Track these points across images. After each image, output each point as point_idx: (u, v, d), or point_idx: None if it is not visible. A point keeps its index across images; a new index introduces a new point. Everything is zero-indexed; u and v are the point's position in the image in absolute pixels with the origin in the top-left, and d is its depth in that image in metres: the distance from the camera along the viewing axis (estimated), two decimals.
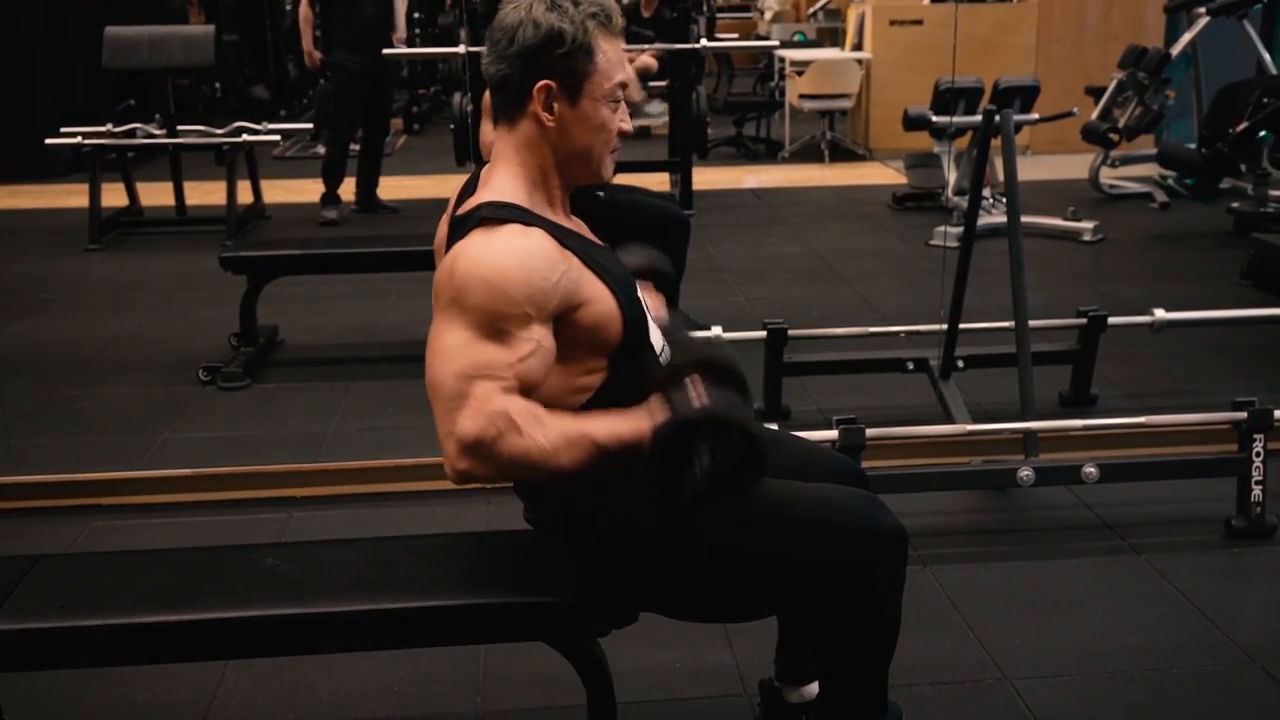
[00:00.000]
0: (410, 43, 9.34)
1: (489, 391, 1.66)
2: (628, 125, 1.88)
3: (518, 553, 2.04)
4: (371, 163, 7.17)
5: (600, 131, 1.84)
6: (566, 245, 1.78)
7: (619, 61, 1.84)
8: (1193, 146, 6.77)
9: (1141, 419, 3.40)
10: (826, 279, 5.67)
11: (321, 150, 9.19)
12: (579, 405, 1.80)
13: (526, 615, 1.91)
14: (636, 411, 1.74)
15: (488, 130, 3.84)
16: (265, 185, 7.22)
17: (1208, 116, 6.44)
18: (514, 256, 1.71)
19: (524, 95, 1.81)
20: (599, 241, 1.92)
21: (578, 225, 1.91)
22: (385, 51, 6.72)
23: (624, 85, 1.85)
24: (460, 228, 1.80)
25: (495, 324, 1.69)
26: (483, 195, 1.83)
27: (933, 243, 6.11)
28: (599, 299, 1.79)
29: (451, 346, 1.70)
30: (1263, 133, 6.03)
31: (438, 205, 7.29)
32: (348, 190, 7.09)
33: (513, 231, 1.74)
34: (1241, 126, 5.98)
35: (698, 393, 1.71)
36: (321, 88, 8.24)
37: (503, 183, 1.83)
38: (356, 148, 7.19)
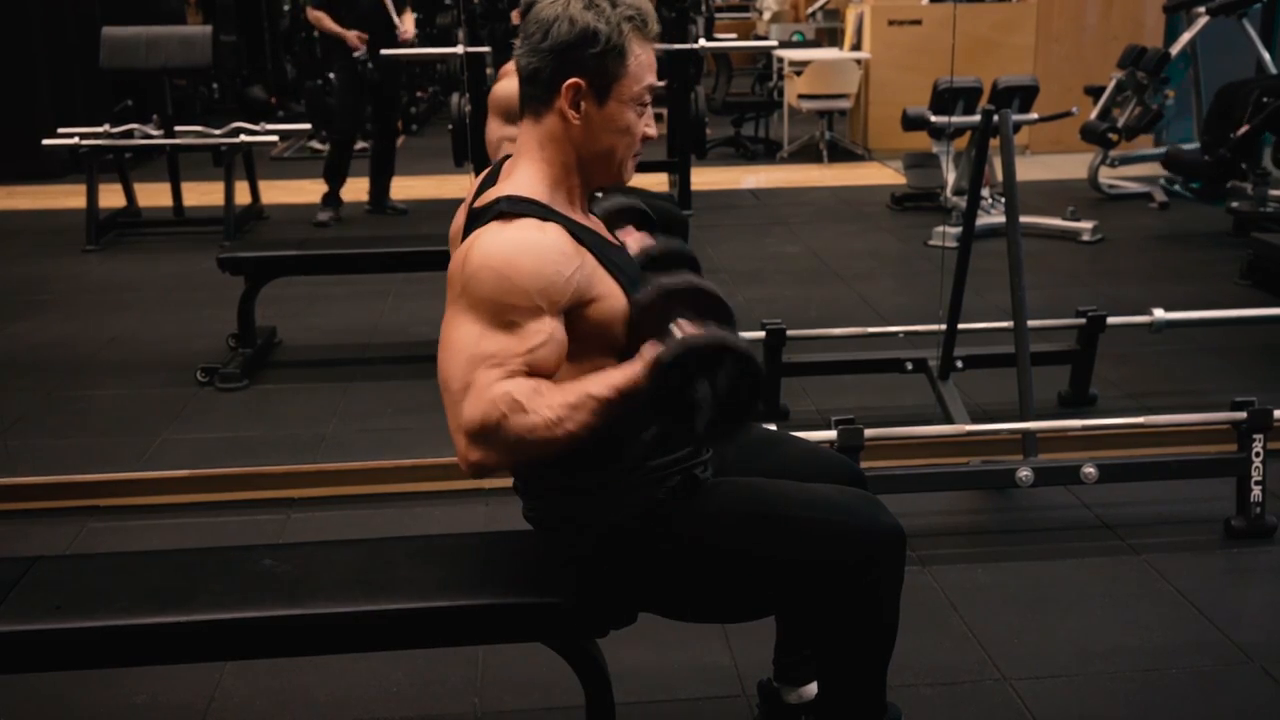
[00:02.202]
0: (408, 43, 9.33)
1: (492, 378, 1.66)
2: (652, 130, 1.88)
3: (516, 553, 2.04)
4: (382, 163, 7.16)
5: (624, 134, 1.83)
6: (582, 241, 1.78)
7: (650, 66, 1.84)
8: (1194, 147, 6.77)
9: (1141, 419, 3.40)
10: (825, 279, 5.67)
11: (316, 146, 9.22)
12: None
13: (525, 616, 1.91)
14: (631, 362, 1.73)
15: (493, 129, 3.82)
16: (263, 186, 7.22)
17: (1208, 120, 6.44)
18: (527, 249, 1.71)
19: (552, 91, 1.80)
20: (615, 240, 1.92)
21: (595, 224, 1.91)
22: (383, 51, 6.71)
23: (652, 90, 1.85)
24: (478, 219, 1.80)
25: (505, 315, 1.68)
26: (503, 188, 1.82)
27: (931, 243, 6.11)
28: (611, 296, 1.78)
29: (461, 339, 1.69)
30: (1264, 133, 6.02)
31: (436, 206, 7.30)
32: (351, 192, 7.08)
33: (528, 225, 1.74)
34: (1243, 130, 5.98)
35: (683, 330, 1.71)
36: (309, 86, 8.21)
37: (524, 177, 1.83)
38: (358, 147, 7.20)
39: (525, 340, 1.69)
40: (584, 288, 1.75)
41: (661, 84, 1.92)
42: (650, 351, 1.70)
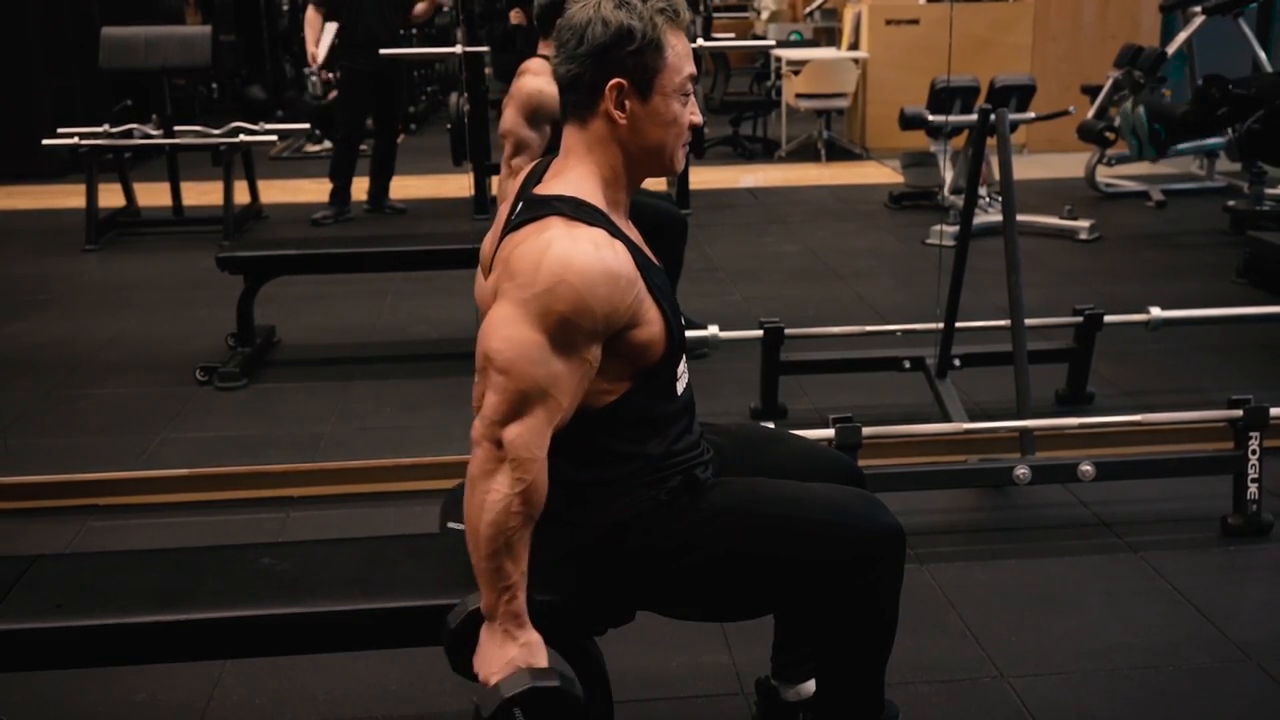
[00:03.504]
0: (407, 43, 9.33)
1: (542, 426, 1.71)
2: (698, 118, 1.88)
3: None
4: (383, 163, 7.16)
5: (672, 126, 1.84)
6: (636, 263, 1.79)
7: (687, 55, 1.84)
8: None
9: (1138, 417, 3.41)
10: (823, 278, 5.67)
11: (312, 148, 9.22)
12: (602, 405, 1.81)
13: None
14: (526, 629, 1.77)
15: (509, 119, 3.78)
16: (262, 185, 7.22)
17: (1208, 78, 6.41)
18: (604, 272, 1.71)
19: (595, 94, 1.81)
20: (650, 253, 1.91)
21: (632, 231, 1.91)
22: (382, 51, 6.72)
23: (693, 78, 1.85)
24: (535, 207, 1.79)
25: (570, 335, 1.70)
26: (557, 187, 1.82)
27: (929, 241, 6.11)
28: (654, 322, 1.80)
29: (523, 342, 1.70)
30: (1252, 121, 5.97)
31: (435, 205, 7.29)
32: (359, 191, 7.09)
33: (601, 240, 1.74)
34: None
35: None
36: (289, 96, 8.22)
37: (579, 179, 1.83)
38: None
39: (576, 370, 1.72)
40: (636, 312, 1.77)
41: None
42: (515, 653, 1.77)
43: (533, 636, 1.78)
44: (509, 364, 1.69)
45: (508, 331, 1.71)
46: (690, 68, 1.84)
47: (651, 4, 1.80)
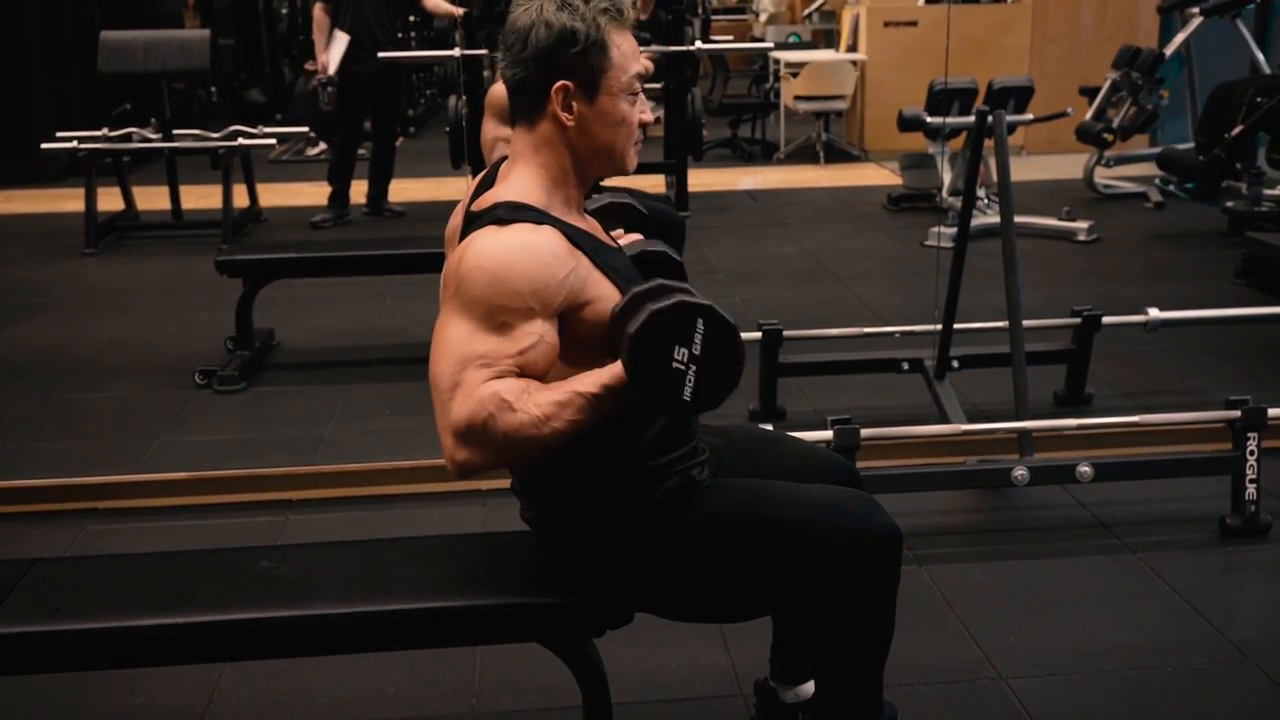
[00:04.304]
0: (405, 46, 9.34)
1: (481, 377, 1.68)
2: (648, 116, 1.88)
3: (513, 554, 2.04)
4: (380, 166, 7.17)
5: (621, 126, 1.84)
6: (577, 245, 1.78)
7: (633, 54, 1.84)
8: (1189, 147, 6.78)
9: (1136, 418, 3.41)
10: (822, 280, 5.68)
11: (311, 153, 9.22)
12: None
13: (522, 616, 1.92)
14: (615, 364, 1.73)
15: (489, 129, 3.82)
16: (261, 189, 7.22)
17: (1202, 120, 6.45)
18: (520, 251, 1.72)
19: (542, 97, 1.81)
20: (611, 242, 1.93)
21: (591, 225, 1.92)
22: (381, 54, 6.72)
23: (640, 76, 1.85)
24: (474, 223, 1.81)
25: (497, 316, 1.69)
26: (499, 193, 1.83)
27: (928, 243, 6.12)
28: (606, 298, 1.79)
29: (452, 339, 1.71)
30: (1258, 133, 6.03)
31: (434, 208, 7.29)
32: (357, 194, 7.08)
33: (523, 228, 1.75)
34: (1237, 130, 5.99)
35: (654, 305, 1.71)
36: (300, 90, 8.19)
37: (521, 182, 1.83)
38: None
39: (516, 341, 1.70)
40: (578, 290, 1.76)
41: (658, 85, 1.93)
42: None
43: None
44: (446, 371, 1.69)
45: (439, 338, 1.72)
46: (637, 66, 1.84)
47: (594, 4, 1.79)
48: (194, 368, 4.33)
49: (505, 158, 1.92)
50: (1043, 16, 8.92)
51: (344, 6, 6.79)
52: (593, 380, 1.72)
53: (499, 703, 2.45)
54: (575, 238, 1.79)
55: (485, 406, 1.66)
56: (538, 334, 1.71)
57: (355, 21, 6.79)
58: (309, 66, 6.99)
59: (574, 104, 1.81)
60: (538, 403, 1.68)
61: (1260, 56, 7.01)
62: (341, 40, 6.78)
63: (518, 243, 1.73)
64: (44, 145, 6.61)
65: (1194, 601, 2.78)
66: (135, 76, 6.98)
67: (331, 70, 6.82)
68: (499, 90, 3.81)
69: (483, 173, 1.97)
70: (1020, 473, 3.06)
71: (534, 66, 1.80)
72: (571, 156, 1.84)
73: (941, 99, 6.39)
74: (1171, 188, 7.25)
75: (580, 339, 1.78)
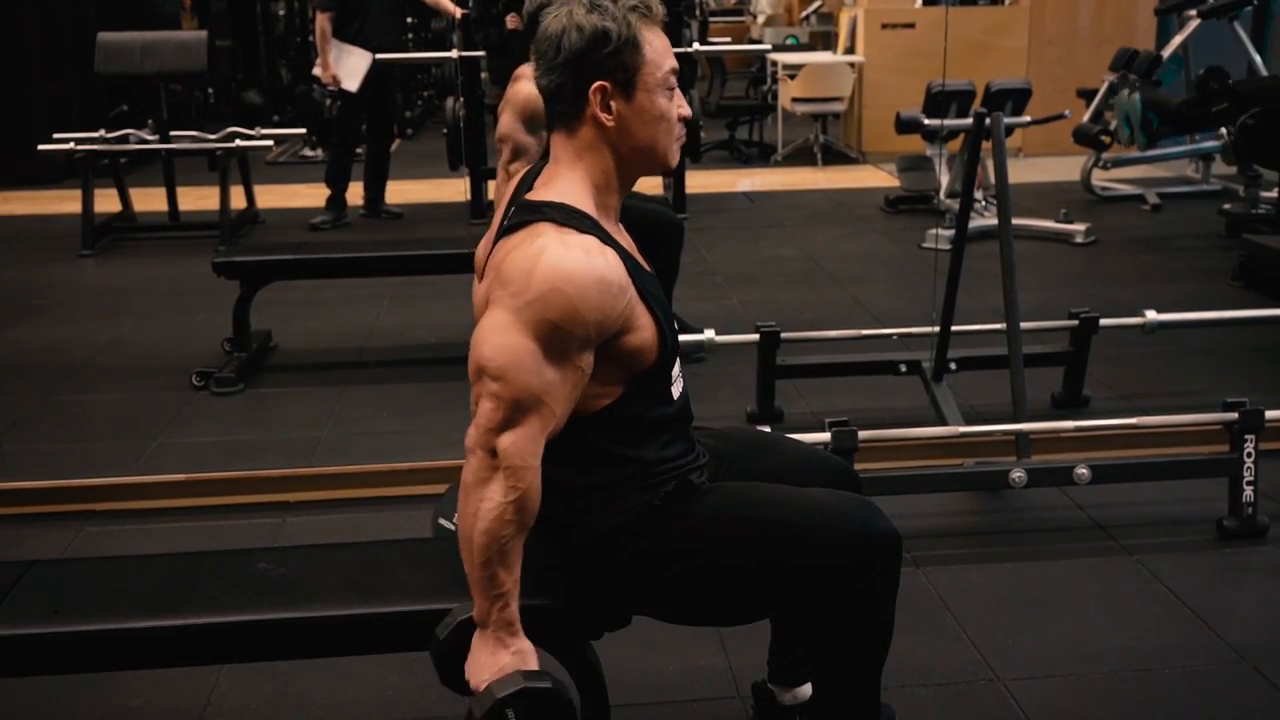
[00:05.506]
0: (403, 47, 9.32)
1: (536, 434, 1.72)
2: (686, 110, 1.88)
3: None
4: (378, 167, 7.16)
5: (661, 121, 1.84)
6: (627, 269, 1.79)
7: (665, 49, 1.85)
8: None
9: (1133, 420, 3.41)
10: (819, 282, 5.68)
11: (308, 154, 9.22)
12: (596, 410, 1.82)
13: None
14: (518, 637, 1.78)
15: (507, 123, 3.75)
16: (258, 190, 7.23)
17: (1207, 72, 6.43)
18: (598, 282, 1.72)
19: (580, 100, 1.81)
20: (642, 260, 1.91)
21: (623, 237, 1.92)
22: (378, 56, 6.72)
23: (675, 71, 1.85)
24: (527, 212, 1.80)
25: (562, 343, 1.70)
26: (547, 194, 1.82)
27: (925, 245, 6.12)
28: (646, 327, 1.80)
29: (514, 347, 1.70)
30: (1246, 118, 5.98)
31: (431, 210, 7.28)
32: (354, 196, 7.08)
33: (592, 246, 1.74)
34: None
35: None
36: (301, 90, 8.15)
37: (569, 186, 1.83)
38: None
39: (568, 376, 1.73)
40: (628, 318, 1.77)
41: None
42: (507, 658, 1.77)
43: (525, 644, 1.78)
44: (502, 371, 1.70)
45: (500, 339, 1.71)
46: (671, 61, 1.85)
47: (624, 3, 1.80)
48: (191, 369, 4.33)
49: (541, 163, 1.91)
50: (1040, 19, 8.93)
51: (351, 15, 6.76)
52: (514, 608, 1.76)
53: None
54: (627, 262, 1.80)
55: (513, 463, 1.70)
56: (587, 366, 1.75)
57: (354, 24, 6.77)
58: (319, 75, 6.89)
59: (612, 104, 1.81)
60: (504, 525, 1.71)
61: (1257, 58, 7.02)
62: (364, 59, 6.73)
63: (593, 268, 1.72)
64: (41, 147, 6.60)
65: (1191, 603, 2.78)
66: (132, 78, 6.97)
67: (354, 88, 6.77)
68: (523, 91, 3.76)
69: (511, 189, 1.96)
70: (1018, 475, 3.06)
71: (569, 71, 1.80)
72: (614, 158, 1.84)
73: (939, 101, 6.39)
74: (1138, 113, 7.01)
75: (612, 359, 1.79)
